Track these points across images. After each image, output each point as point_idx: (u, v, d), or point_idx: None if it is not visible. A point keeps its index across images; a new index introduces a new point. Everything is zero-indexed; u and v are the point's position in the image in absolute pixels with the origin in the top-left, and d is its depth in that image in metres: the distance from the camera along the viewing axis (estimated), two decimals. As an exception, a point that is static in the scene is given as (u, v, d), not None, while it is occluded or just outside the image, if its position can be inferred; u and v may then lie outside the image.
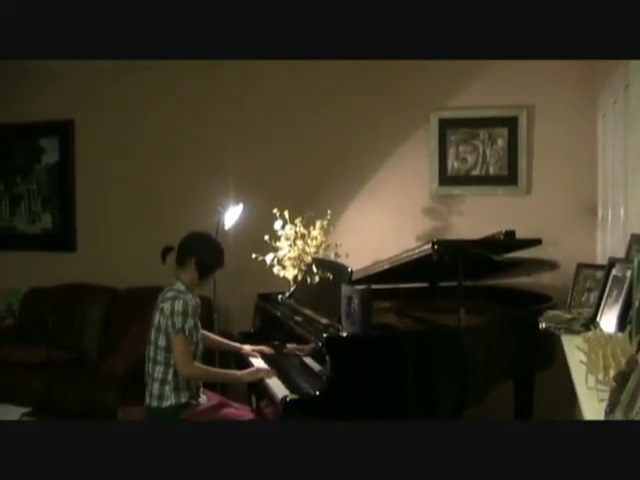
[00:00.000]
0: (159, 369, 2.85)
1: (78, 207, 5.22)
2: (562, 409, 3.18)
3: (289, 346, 3.16)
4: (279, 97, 4.60)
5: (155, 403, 2.85)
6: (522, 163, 4.15)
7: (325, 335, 2.70)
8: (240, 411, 2.99)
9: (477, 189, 4.26)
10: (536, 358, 3.36)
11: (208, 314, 3.96)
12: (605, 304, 2.36)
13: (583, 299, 2.88)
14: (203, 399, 2.96)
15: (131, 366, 3.92)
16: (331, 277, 3.13)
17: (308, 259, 3.54)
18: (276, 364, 3.10)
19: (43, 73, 4.87)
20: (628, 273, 2.19)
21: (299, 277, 3.56)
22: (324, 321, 2.96)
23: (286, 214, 3.63)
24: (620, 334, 2.01)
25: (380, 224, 4.37)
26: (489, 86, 4.19)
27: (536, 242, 3.37)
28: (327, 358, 2.61)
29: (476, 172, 4.26)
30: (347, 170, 4.46)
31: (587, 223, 3.93)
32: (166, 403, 2.84)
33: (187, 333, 2.82)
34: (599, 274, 2.73)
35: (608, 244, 3.45)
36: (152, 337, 2.88)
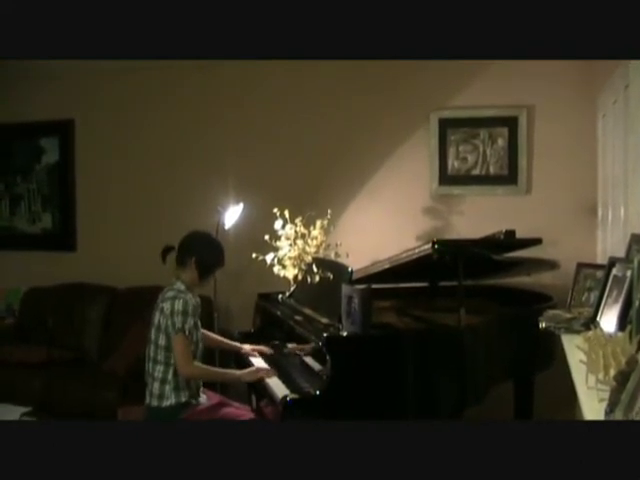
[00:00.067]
0: (159, 368, 2.86)
1: (78, 207, 5.22)
2: (562, 409, 3.18)
3: (289, 346, 3.16)
4: (279, 97, 4.60)
5: (155, 402, 2.86)
6: (522, 163, 4.15)
7: (325, 334, 2.70)
8: (240, 411, 2.99)
9: (477, 189, 4.26)
10: (536, 358, 3.36)
11: (208, 313, 3.96)
12: (605, 304, 2.36)
13: (583, 299, 2.89)
14: (203, 398, 2.96)
15: (131, 366, 3.93)
16: (331, 277, 3.13)
17: (308, 259, 3.54)
18: (276, 363, 3.10)
19: (43, 73, 4.87)
20: (628, 273, 2.19)
21: (299, 277, 3.56)
22: (324, 320, 2.96)
23: (286, 214, 3.63)
24: (620, 334, 2.01)
25: (380, 224, 4.37)
26: (489, 86, 4.19)
27: (536, 242, 3.37)
28: (327, 357, 2.61)
29: (476, 172, 4.26)
30: (347, 170, 4.46)
31: (587, 223, 3.93)
32: (166, 402, 2.84)
33: (187, 333, 2.82)
34: (599, 274, 2.73)
35: (608, 244, 3.45)
36: (152, 336, 2.88)
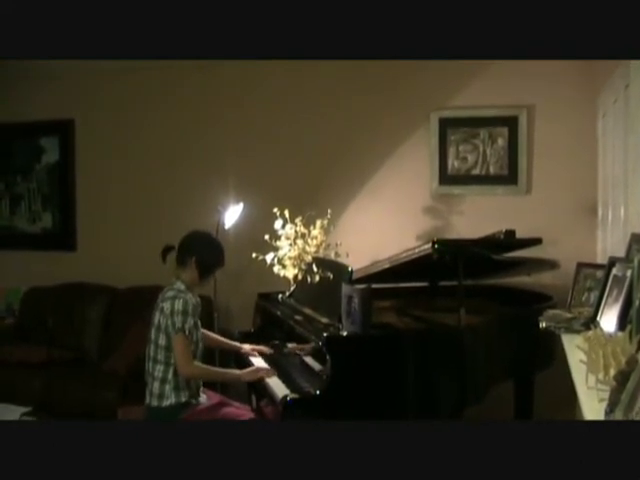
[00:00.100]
0: (159, 368, 2.86)
1: (78, 206, 5.22)
2: (562, 409, 3.18)
3: (289, 345, 3.16)
4: (279, 97, 4.60)
5: (155, 402, 2.86)
6: (522, 162, 4.15)
7: (325, 334, 2.70)
8: (240, 410, 2.99)
9: (477, 188, 4.25)
10: (536, 357, 3.36)
11: (208, 313, 3.96)
12: (605, 303, 2.36)
13: (583, 298, 2.89)
14: (203, 398, 2.96)
15: (131, 365, 3.93)
16: (331, 276, 3.13)
17: (308, 258, 3.54)
18: (276, 363, 3.10)
19: (43, 73, 4.87)
20: (628, 272, 2.19)
21: (299, 276, 3.56)
22: (324, 320, 2.97)
23: (286, 213, 3.63)
24: (620, 333, 2.01)
25: (380, 223, 4.37)
26: (489, 86, 4.18)
27: (536, 241, 3.37)
28: (327, 357, 2.61)
29: (476, 171, 4.26)
30: (347, 169, 4.46)
31: (587, 222, 3.93)
32: (166, 402, 2.84)
33: (187, 332, 2.82)
34: (599, 273, 2.73)
35: (608, 243, 3.45)
36: (152, 336, 2.88)
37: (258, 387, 3.02)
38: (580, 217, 3.99)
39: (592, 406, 1.58)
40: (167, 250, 3.02)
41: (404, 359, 2.72)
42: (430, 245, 2.95)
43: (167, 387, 2.84)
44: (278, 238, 3.66)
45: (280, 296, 3.61)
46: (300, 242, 3.61)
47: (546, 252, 3.48)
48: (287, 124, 4.57)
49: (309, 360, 2.91)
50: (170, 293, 2.88)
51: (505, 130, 4.18)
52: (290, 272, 3.62)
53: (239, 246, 4.01)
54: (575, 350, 2.14)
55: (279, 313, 3.38)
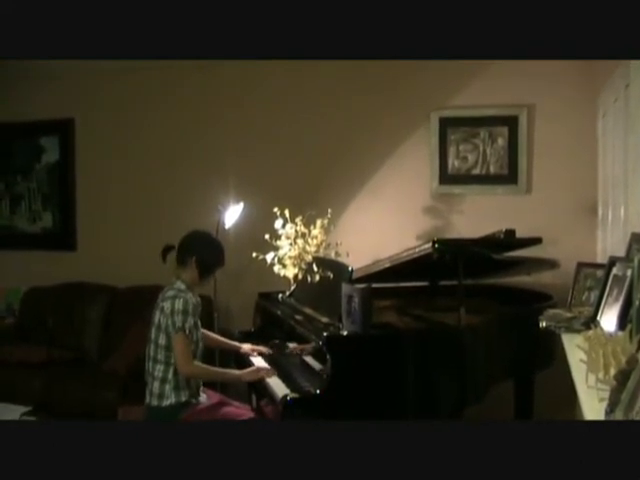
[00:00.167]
0: (159, 368, 2.86)
1: (78, 206, 5.22)
2: (562, 409, 3.18)
3: (290, 345, 3.16)
4: (279, 97, 4.60)
5: (155, 402, 2.86)
6: (522, 162, 4.15)
7: (325, 334, 2.70)
8: (240, 410, 2.99)
9: (477, 188, 4.26)
10: (536, 357, 3.36)
11: (208, 313, 3.96)
12: (605, 303, 2.36)
13: (583, 298, 2.89)
14: (203, 398, 2.96)
15: (131, 365, 3.93)
16: (331, 276, 3.13)
17: (308, 258, 3.54)
18: (276, 363, 3.10)
19: (43, 73, 4.87)
20: (628, 272, 2.19)
21: (299, 276, 3.56)
22: (324, 320, 2.97)
23: (286, 213, 3.63)
24: (620, 333, 2.01)
25: (380, 223, 4.37)
26: (489, 85, 4.18)
27: (536, 241, 3.37)
28: (327, 357, 2.61)
29: (476, 171, 4.26)
30: (347, 169, 4.46)
31: (587, 222, 3.93)
32: (166, 402, 2.84)
33: (187, 332, 2.82)
34: (599, 273, 2.73)
35: (608, 243, 3.45)
36: (152, 336, 2.88)
37: (258, 387, 3.02)
38: (580, 217, 3.99)
39: (592, 406, 1.58)
40: (167, 250, 3.02)
41: (404, 359, 2.72)
42: (430, 245, 2.95)
43: (167, 387, 2.84)
44: (278, 238, 3.66)
45: (280, 296, 3.61)
46: (300, 242, 3.61)
47: (546, 252, 3.48)
48: (287, 124, 4.57)
49: (309, 360, 2.91)
50: (170, 292, 2.88)
51: (505, 130, 4.18)
52: (290, 272, 3.62)
53: (239, 246, 4.02)
54: (575, 349, 2.14)
55: (279, 313, 3.38)
